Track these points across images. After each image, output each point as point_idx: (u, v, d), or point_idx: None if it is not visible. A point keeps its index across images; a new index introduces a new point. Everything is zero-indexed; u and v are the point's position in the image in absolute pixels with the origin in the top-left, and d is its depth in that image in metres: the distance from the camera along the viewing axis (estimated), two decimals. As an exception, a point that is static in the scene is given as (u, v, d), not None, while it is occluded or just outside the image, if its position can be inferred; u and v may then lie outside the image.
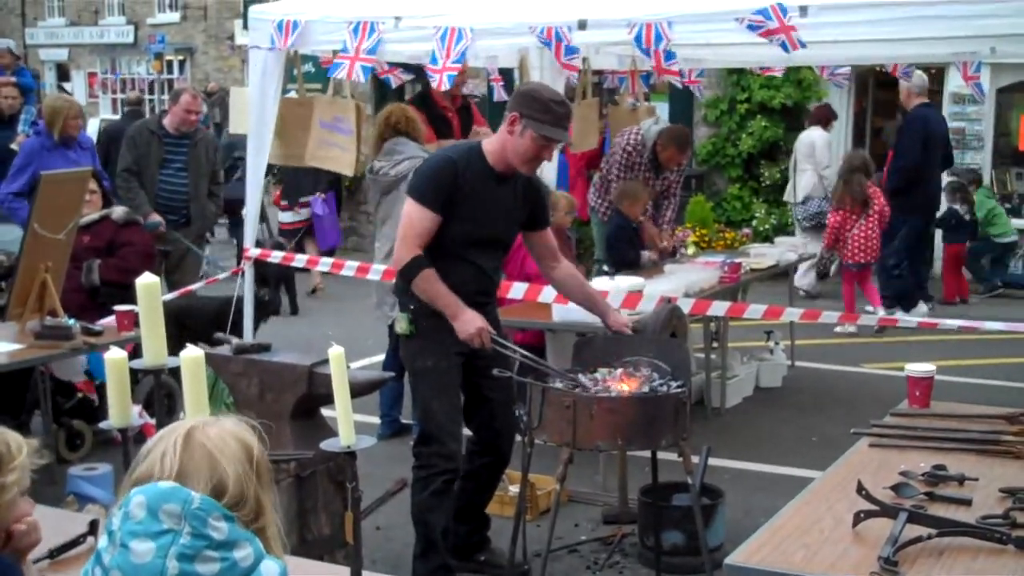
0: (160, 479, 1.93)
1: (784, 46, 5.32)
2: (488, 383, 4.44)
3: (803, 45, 5.32)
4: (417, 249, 4.26)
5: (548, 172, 8.07)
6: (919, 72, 9.66)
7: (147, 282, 2.73)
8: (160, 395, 3.14)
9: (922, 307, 9.97)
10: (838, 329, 9.17)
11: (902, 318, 8.15)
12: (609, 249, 7.35)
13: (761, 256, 7.92)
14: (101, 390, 6.18)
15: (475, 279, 4.41)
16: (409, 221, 4.31)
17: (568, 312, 5.70)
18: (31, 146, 7.72)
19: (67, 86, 27.33)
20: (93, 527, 2.73)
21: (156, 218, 7.34)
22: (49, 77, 28.53)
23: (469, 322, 4.24)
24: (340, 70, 6.22)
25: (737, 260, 7.36)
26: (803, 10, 5.31)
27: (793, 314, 6.75)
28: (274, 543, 2.02)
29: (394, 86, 7.19)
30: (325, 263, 7.58)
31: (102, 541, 1.91)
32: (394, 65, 7.60)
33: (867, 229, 9.35)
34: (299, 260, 7.71)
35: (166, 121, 7.65)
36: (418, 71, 7.51)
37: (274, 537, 2.02)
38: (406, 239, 4.30)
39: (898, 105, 11.90)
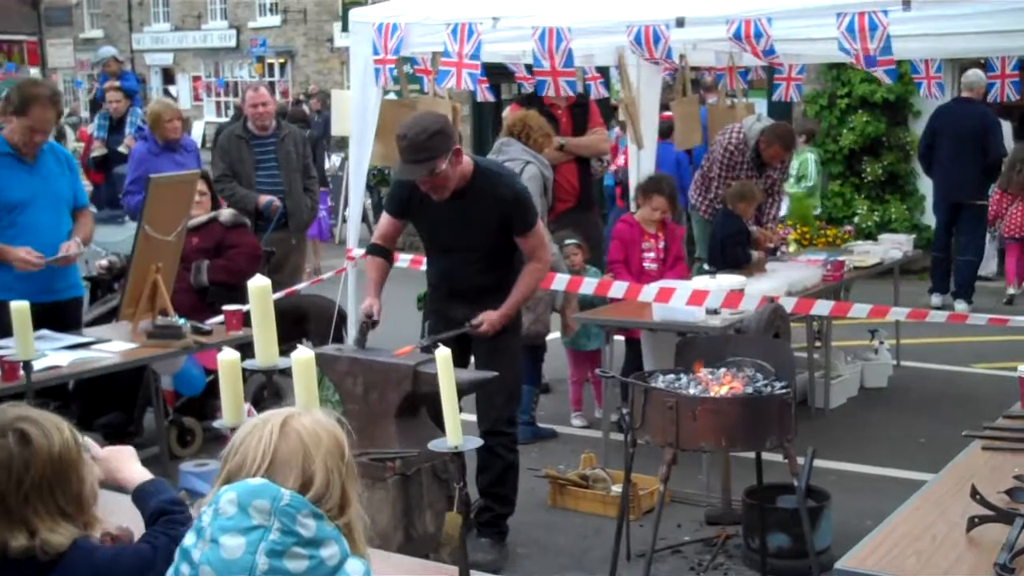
0: (253, 465, 1.97)
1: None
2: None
3: (893, 78, 5.24)
4: (376, 240, 5.00)
5: (646, 162, 8.04)
6: (974, 70, 9.55)
7: (259, 284, 2.77)
8: (271, 393, 3.21)
9: (935, 298, 10.19)
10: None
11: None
12: (723, 251, 7.19)
13: (865, 254, 7.79)
14: (184, 406, 6.38)
15: (449, 275, 4.91)
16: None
17: (668, 312, 5.68)
18: (139, 152, 7.93)
19: (172, 90, 27.98)
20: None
21: (267, 198, 7.51)
22: (155, 81, 29.25)
23: (361, 307, 4.81)
24: (448, 79, 6.29)
25: (840, 258, 7.25)
26: (906, 4, 5.20)
27: (899, 313, 6.61)
28: (358, 539, 2.04)
29: (479, 99, 7.16)
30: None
31: (188, 539, 1.94)
32: (485, 75, 7.63)
33: (1022, 210, 10.44)
34: (403, 259, 7.74)
35: (250, 124, 7.79)
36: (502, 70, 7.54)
37: (358, 533, 2.05)
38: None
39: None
